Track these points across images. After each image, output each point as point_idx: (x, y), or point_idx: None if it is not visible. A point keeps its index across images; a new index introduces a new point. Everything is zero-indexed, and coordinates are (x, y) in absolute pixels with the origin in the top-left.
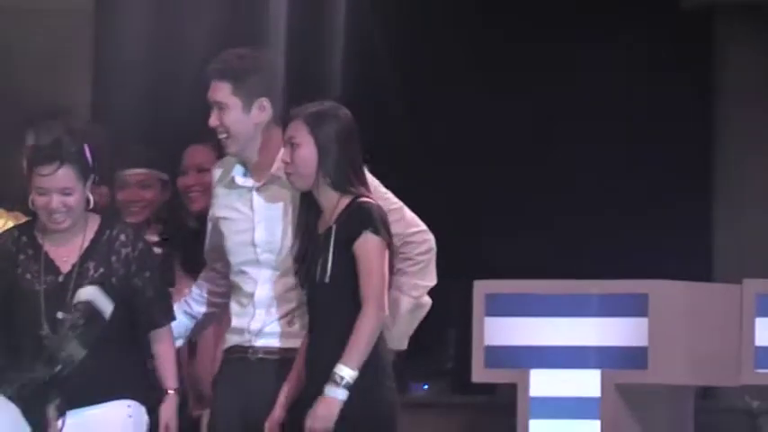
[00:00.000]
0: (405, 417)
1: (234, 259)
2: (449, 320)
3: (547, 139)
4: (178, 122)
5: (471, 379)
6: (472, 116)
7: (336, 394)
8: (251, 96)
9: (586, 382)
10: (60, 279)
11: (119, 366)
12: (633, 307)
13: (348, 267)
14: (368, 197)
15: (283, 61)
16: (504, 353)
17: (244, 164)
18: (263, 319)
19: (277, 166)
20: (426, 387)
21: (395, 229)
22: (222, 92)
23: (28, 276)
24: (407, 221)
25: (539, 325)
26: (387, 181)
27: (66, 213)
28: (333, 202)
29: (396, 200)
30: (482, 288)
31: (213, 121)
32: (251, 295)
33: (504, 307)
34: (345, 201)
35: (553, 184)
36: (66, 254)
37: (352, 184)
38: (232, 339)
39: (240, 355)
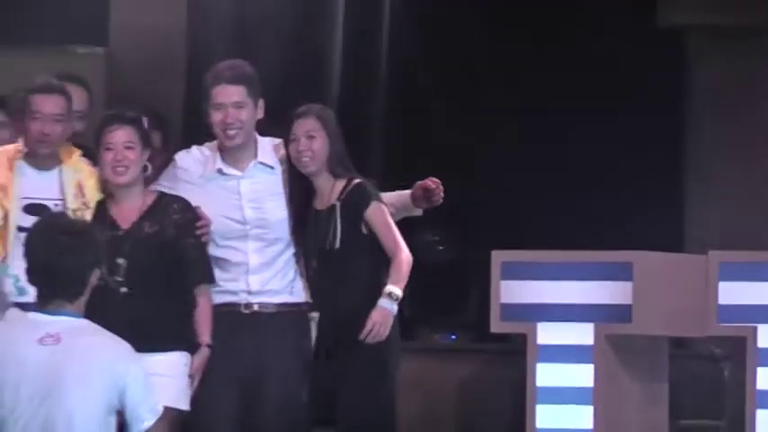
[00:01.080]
0: (437, 361)
1: (220, 236)
2: (472, 283)
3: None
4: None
5: (490, 330)
6: (501, 97)
7: (389, 305)
8: (256, 97)
9: (582, 334)
10: (120, 233)
11: (178, 319)
12: (620, 272)
13: (353, 235)
14: (358, 177)
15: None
16: (515, 309)
17: (223, 155)
18: (258, 280)
19: (260, 157)
20: (454, 337)
21: None
22: (239, 93)
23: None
24: None
25: (544, 287)
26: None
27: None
28: (329, 185)
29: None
30: (498, 257)
31: (231, 117)
32: (241, 264)
33: (515, 272)
34: (340, 183)
35: (554, 161)
36: (127, 214)
37: (347, 168)
38: (223, 298)
39: (231, 309)
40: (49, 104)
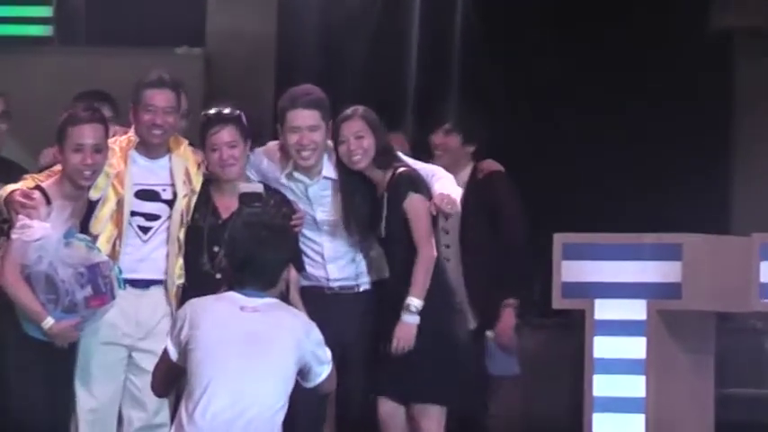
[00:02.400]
0: None
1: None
2: (536, 264)
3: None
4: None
5: (552, 306)
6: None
7: (410, 319)
8: (328, 120)
9: (636, 309)
10: (220, 222)
11: None
12: (671, 253)
13: (398, 224)
14: (403, 166)
15: None
16: (575, 287)
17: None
18: (335, 268)
19: (325, 172)
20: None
21: None
22: (314, 117)
23: (197, 216)
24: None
25: (601, 266)
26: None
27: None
28: (381, 176)
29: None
30: (560, 239)
31: (306, 139)
32: (319, 254)
33: (575, 253)
34: (389, 173)
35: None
36: (228, 203)
37: (393, 159)
38: (309, 281)
39: (317, 291)
40: (161, 98)
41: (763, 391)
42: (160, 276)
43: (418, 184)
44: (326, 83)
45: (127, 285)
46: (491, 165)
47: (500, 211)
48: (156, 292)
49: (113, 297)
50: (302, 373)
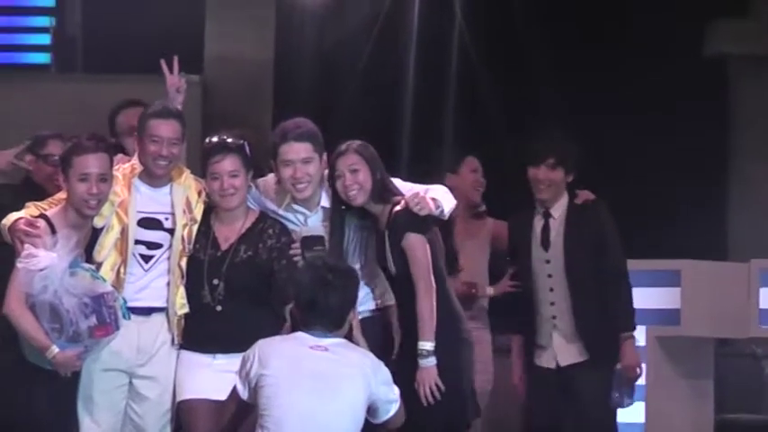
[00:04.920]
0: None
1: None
2: None
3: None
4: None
5: None
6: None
7: (427, 363)
8: (321, 151)
9: (636, 335)
10: (219, 254)
11: (267, 330)
12: (670, 279)
13: (400, 260)
14: (397, 201)
15: None
16: None
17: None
18: (361, 296)
19: (323, 202)
20: None
21: None
22: (307, 150)
23: (197, 247)
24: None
25: None
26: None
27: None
28: (381, 210)
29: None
30: None
31: (300, 172)
32: None
33: None
34: (388, 207)
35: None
36: (227, 234)
37: (391, 193)
38: None
39: None
40: (166, 129)
41: (763, 416)
42: (161, 304)
43: (415, 222)
44: (324, 108)
45: (131, 315)
46: (587, 194)
47: (603, 239)
48: (157, 320)
49: (118, 327)
50: (371, 409)
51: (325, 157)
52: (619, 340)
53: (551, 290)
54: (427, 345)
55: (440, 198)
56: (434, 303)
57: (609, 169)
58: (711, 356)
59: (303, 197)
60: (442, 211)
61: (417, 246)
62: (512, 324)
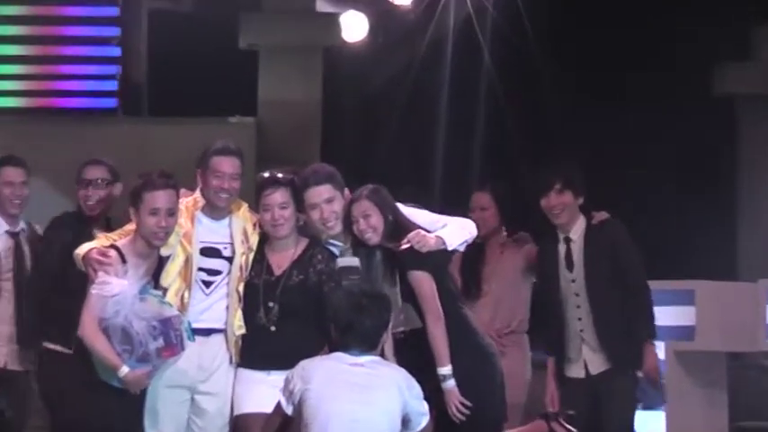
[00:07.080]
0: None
1: None
2: None
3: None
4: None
5: None
6: None
7: (448, 386)
8: (342, 188)
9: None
10: (273, 279)
11: (314, 345)
12: (685, 298)
13: (412, 292)
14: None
15: None
16: None
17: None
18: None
19: (360, 234)
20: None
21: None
22: (328, 191)
23: (253, 274)
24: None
25: None
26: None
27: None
28: (396, 246)
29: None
30: None
31: (327, 212)
32: None
33: None
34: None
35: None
36: (280, 261)
37: (405, 231)
38: None
39: None
40: (228, 165)
41: None
42: (221, 326)
43: (417, 259)
44: (366, 146)
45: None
46: (602, 215)
47: (621, 254)
48: (217, 340)
49: (183, 348)
50: (404, 421)
51: (347, 192)
52: (641, 348)
53: (578, 307)
54: (443, 369)
55: (449, 233)
56: (444, 330)
57: (630, 202)
58: (724, 369)
59: (334, 233)
60: (446, 245)
61: (422, 282)
62: (542, 339)
